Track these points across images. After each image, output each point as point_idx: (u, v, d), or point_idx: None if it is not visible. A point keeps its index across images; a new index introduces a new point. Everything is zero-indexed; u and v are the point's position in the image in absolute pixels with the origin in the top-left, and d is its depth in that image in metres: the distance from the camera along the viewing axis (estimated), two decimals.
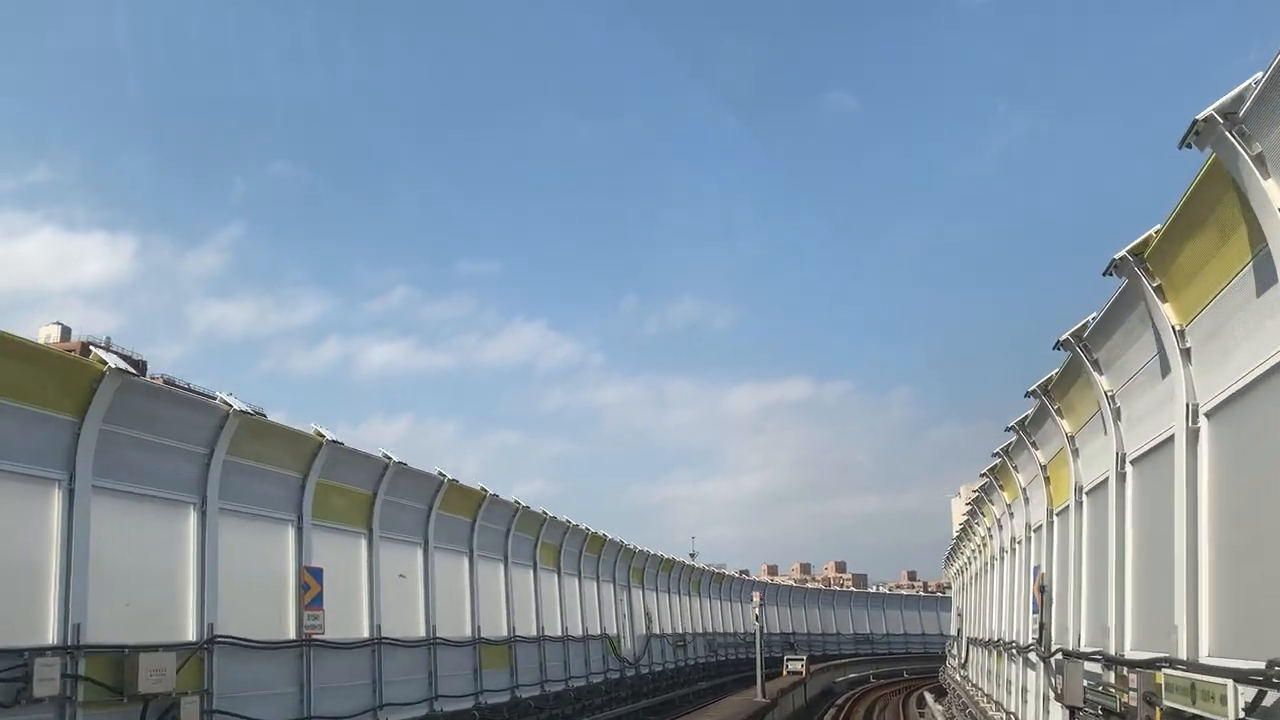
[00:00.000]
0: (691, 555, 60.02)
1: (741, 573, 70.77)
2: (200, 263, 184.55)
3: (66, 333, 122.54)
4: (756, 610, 25.62)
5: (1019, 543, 19.84)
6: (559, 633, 27.84)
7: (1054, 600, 14.38)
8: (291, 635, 15.48)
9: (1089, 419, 11.94)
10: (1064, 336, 10.93)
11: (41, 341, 16.89)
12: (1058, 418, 13.15)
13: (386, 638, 17.94)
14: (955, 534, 39.20)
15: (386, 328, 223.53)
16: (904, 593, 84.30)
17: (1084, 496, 12.74)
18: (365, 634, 17.58)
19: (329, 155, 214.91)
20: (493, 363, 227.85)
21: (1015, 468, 18.23)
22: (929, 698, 38.47)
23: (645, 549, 39.01)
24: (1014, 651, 19.59)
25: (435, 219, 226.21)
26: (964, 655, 30.95)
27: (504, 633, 24.04)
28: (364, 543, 17.98)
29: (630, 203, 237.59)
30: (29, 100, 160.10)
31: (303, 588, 15.81)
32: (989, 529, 25.80)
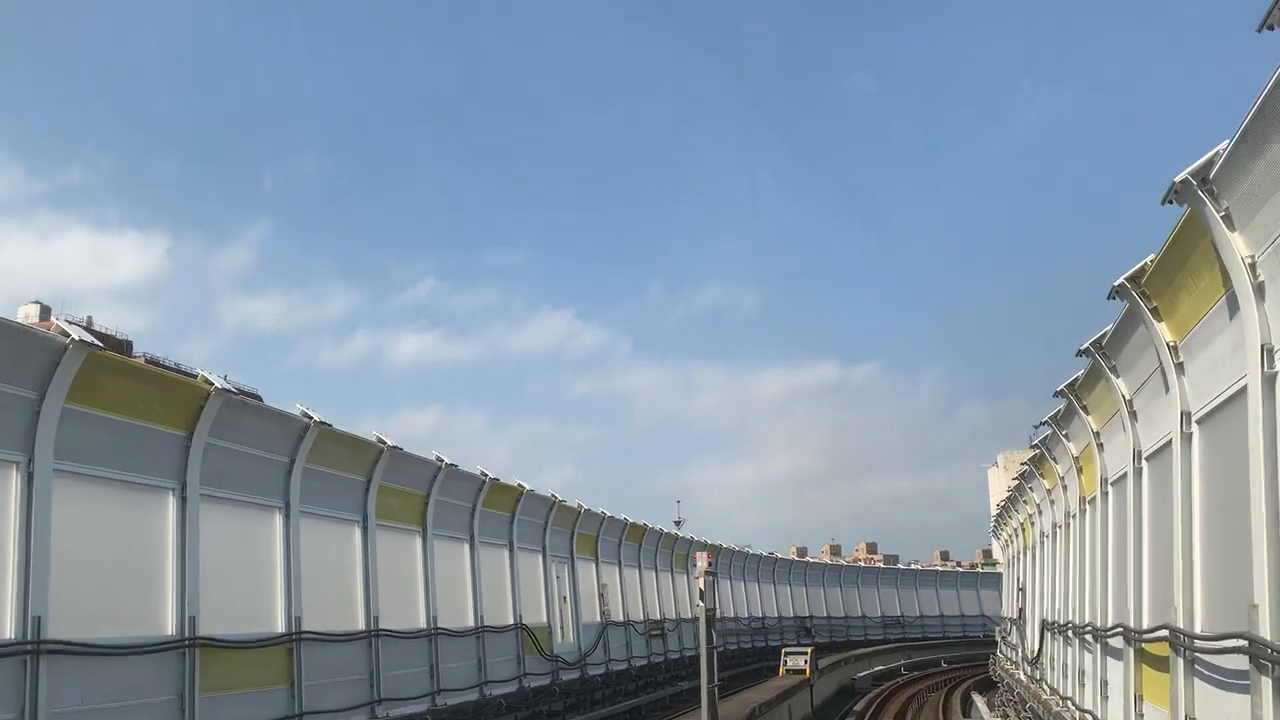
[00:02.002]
0: (676, 523, 50.86)
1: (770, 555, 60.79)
2: (230, 259, 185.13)
3: (45, 311, 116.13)
4: (700, 581, 16.51)
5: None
6: (421, 625, 18.90)
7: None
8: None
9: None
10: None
11: (20, 320, 13.15)
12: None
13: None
14: (1005, 496, 30.00)
15: (415, 319, 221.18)
16: (939, 568, 74.63)
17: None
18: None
19: (354, 150, 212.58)
20: (520, 352, 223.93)
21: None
22: (978, 700, 29.22)
23: (601, 510, 29.93)
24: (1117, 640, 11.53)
25: (461, 210, 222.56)
26: (1033, 644, 21.73)
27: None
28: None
29: (654, 189, 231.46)
30: (60, 103, 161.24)
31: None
32: (1067, 471, 16.77)
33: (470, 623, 20.63)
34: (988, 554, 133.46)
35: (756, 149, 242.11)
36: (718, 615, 41.89)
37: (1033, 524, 22.98)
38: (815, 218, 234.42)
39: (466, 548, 21.10)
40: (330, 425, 15.56)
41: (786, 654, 27.15)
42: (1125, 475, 11.62)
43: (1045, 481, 19.16)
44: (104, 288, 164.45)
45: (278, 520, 14.86)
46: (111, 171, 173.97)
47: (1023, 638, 23.94)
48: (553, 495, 25.65)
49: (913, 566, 68.17)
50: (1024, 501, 23.29)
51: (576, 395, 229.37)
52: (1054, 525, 18.85)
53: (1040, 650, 19.60)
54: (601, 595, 29.36)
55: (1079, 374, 13.06)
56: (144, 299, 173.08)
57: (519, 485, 23.58)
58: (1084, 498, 15.32)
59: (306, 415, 15.14)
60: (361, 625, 16.79)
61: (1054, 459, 17.67)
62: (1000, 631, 32.69)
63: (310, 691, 14.78)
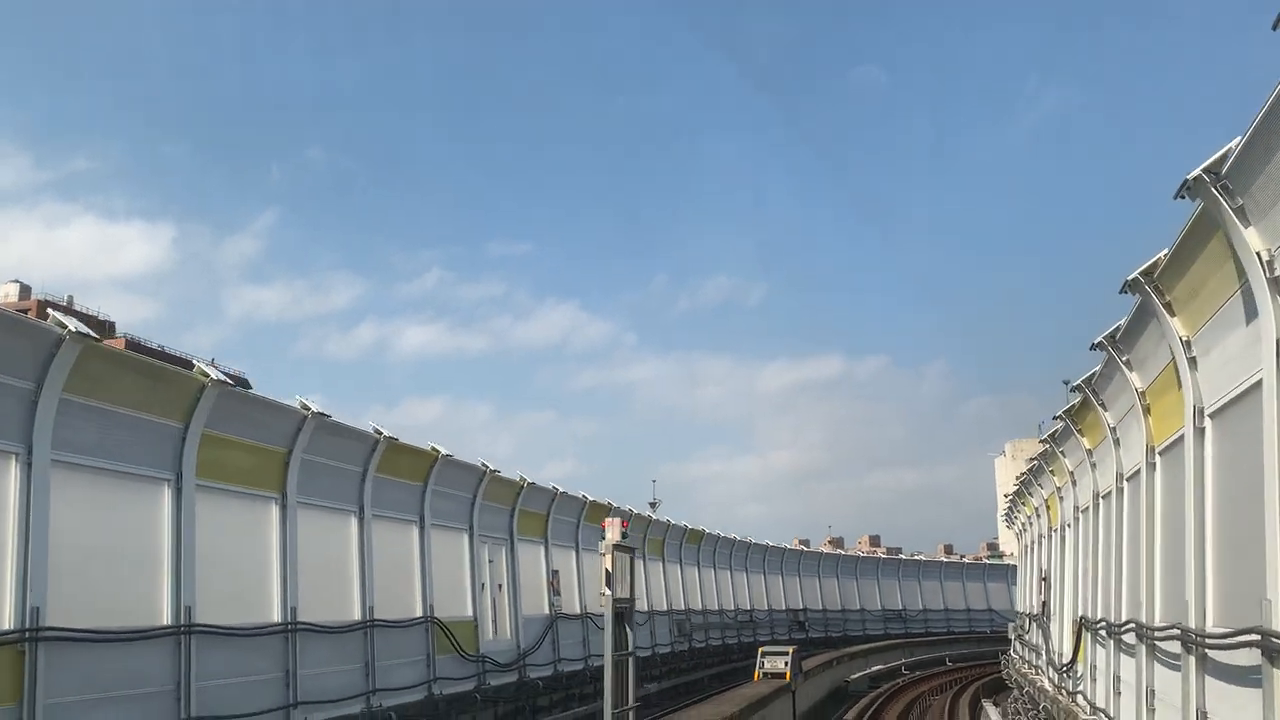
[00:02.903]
0: (652, 505, 46.59)
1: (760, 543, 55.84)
2: (236, 249, 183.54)
3: (26, 291, 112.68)
4: (607, 559, 12.18)
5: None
6: (274, 620, 14.63)
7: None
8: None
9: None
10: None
11: None
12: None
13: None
14: (1025, 470, 25.74)
15: (421, 310, 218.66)
16: (943, 559, 70.20)
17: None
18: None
19: (361, 140, 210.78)
20: (525, 344, 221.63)
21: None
22: (991, 711, 25.01)
23: (553, 486, 25.69)
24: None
25: (467, 201, 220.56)
26: (1061, 645, 17.58)
27: None
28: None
29: (660, 181, 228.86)
30: (68, 92, 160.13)
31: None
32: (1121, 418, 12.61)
33: (355, 615, 16.42)
34: (992, 547, 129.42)
35: (764, 142, 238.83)
36: (690, 607, 37.70)
37: (1062, 498, 18.72)
38: (822, 211, 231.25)
39: (353, 521, 16.86)
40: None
41: (763, 654, 22.92)
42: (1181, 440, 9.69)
43: (1085, 440, 14.91)
44: (110, 277, 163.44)
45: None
46: (119, 160, 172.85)
47: (1046, 637, 19.67)
48: (482, 464, 21.41)
49: (916, 557, 63.86)
50: (1051, 471, 19.02)
51: (581, 387, 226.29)
52: (1095, 496, 14.59)
53: (1076, 655, 15.34)
54: (552, 584, 25.13)
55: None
56: (150, 288, 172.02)
57: (433, 449, 19.35)
58: (1153, 447, 11.10)
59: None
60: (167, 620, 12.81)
61: (1102, 404, 13.43)
62: (1016, 629, 28.41)
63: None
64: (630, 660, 11.98)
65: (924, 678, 41.07)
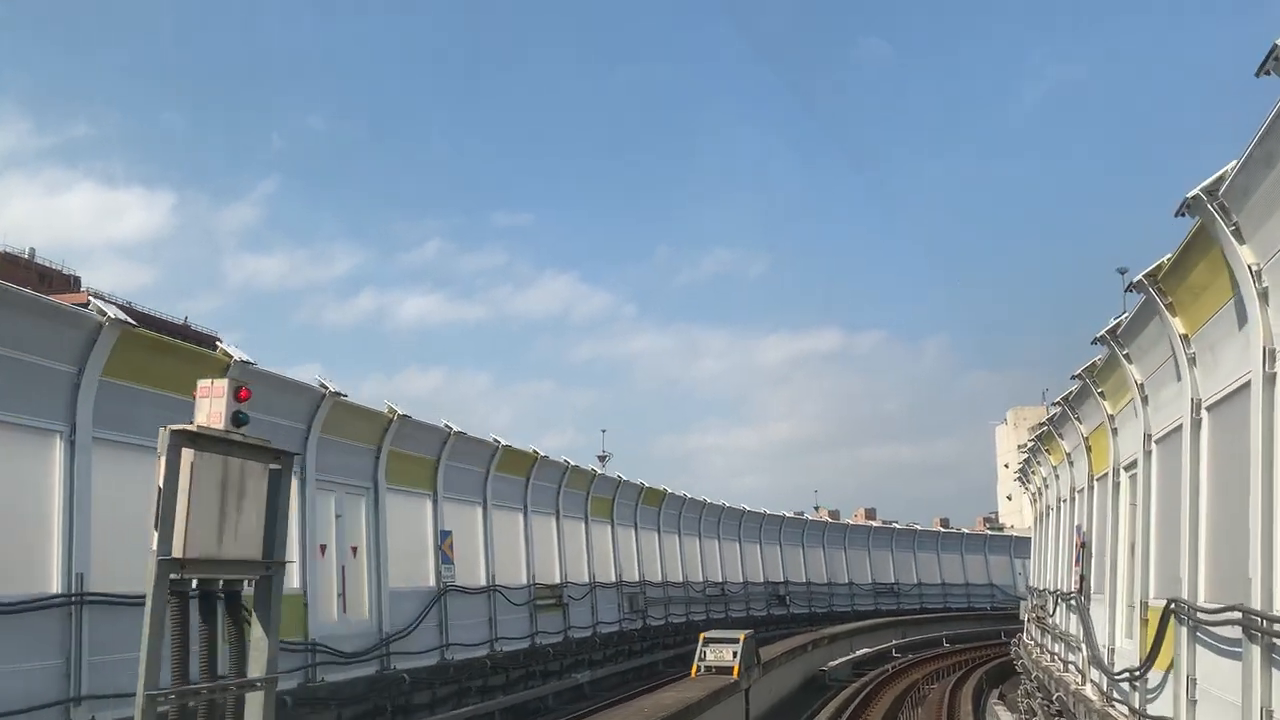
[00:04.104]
0: (601, 458, 40.98)
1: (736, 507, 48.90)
2: (236, 217, 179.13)
3: None
4: (163, 471, 6.99)
5: None
6: None
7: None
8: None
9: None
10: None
11: None
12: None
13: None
14: (1051, 415, 20.30)
15: (421, 280, 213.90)
16: (940, 530, 64.85)
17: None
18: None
19: (362, 107, 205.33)
20: (525, 314, 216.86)
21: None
22: (1000, 711, 19.58)
23: (444, 424, 20.10)
24: None
25: (469, 171, 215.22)
26: (1118, 640, 12.13)
27: None
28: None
29: (663, 152, 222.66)
30: (70, 56, 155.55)
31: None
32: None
33: (53, 587, 10.85)
34: (990, 521, 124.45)
35: (767, 113, 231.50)
36: (647, 579, 32.23)
37: (1115, 431, 13.16)
38: (825, 183, 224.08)
39: (56, 446, 11.22)
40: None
41: (706, 643, 17.41)
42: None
43: (1179, 323, 9.37)
44: (110, 243, 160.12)
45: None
46: (119, 125, 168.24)
47: (1088, 630, 14.14)
48: (321, 384, 15.77)
49: (913, 526, 58.47)
50: (1101, 394, 13.42)
51: (580, 358, 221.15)
52: (1195, 410, 9.03)
53: (1154, 658, 9.76)
54: (444, 550, 19.59)
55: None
56: (148, 255, 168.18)
57: (224, 354, 13.70)
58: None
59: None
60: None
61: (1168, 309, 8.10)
62: (1032, 609, 22.91)
63: None
64: (266, 690, 5.85)
65: (918, 662, 35.68)
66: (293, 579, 14.83)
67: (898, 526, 57.29)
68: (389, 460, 17.76)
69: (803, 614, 45.84)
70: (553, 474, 25.68)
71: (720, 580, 39.82)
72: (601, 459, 40.09)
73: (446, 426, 19.84)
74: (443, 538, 19.49)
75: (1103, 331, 11.70)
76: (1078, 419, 15.71)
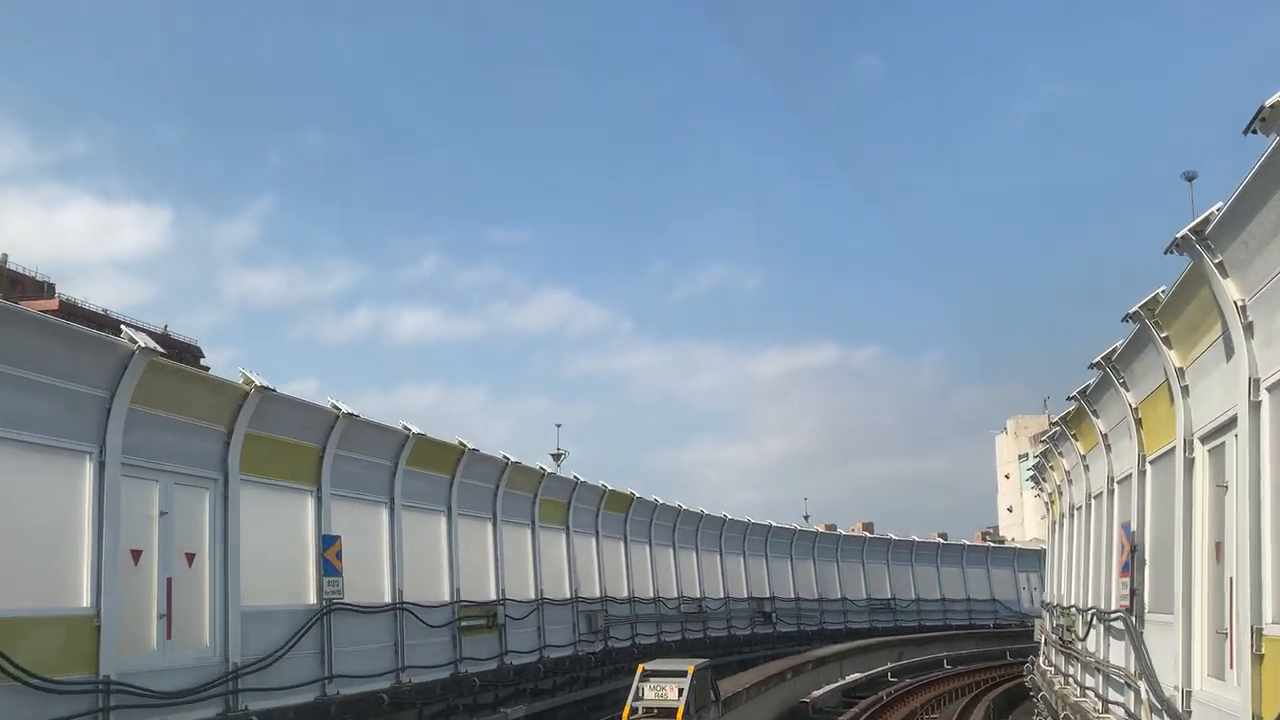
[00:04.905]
0: (556, 456, 37.10)
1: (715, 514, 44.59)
2: (234, 232, 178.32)
3: None
4: None
5: None
6: None
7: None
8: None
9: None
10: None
11: None
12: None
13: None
14: (1053, 424, 16.70)
15: (418, 295, 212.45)
16: (940, 541, 60.97)
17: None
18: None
19: (360, 124, 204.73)
20: (521, 330, 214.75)
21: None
22: None
23: (330, 403, 16.36)
24: None
25: (466, 187, 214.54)
26: (1188, 681, 8.31)
27: None
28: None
29: (659, 167, 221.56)
30: (67, 70, 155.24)
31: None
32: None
33: None
34: (988, 535, 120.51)
35: (762, 130, 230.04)
36: (609, 595, 28.41)
37: (1186, 389, 9.50)
38: (820, 199, 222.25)
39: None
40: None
41: (645, 677, 13.70)
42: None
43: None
44: (107, 259, 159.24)
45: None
46: (117, 142, 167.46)
47: (1144, 664, 10.42)
48: (130, 338, 12.01)
49: (910, 537, 54.71)
50: (1156, 347, 9.77)
51: (576, 373, 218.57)
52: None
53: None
54: (329, 559, 15.81)
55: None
56: (145, 271, 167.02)
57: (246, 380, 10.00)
58: None
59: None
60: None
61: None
62: (1053, 630, 19.14)
63: None
64: None
65: (916, 687, 31.77)
66: (78, 594, 11.09)
67: (894, 537, 53.30)
68: (246, 445, 14.00)
69: (791, 633, 41.96)
70: (487, 471, 21.94)
71: (698, 596, 35.95)
72: (556, 457, 36.06)
73: (335, 408, 16.09)
74: (327, 543, 15.71)
75: (1185, 232, 8.05)
76: (1122, 384, 12.02)
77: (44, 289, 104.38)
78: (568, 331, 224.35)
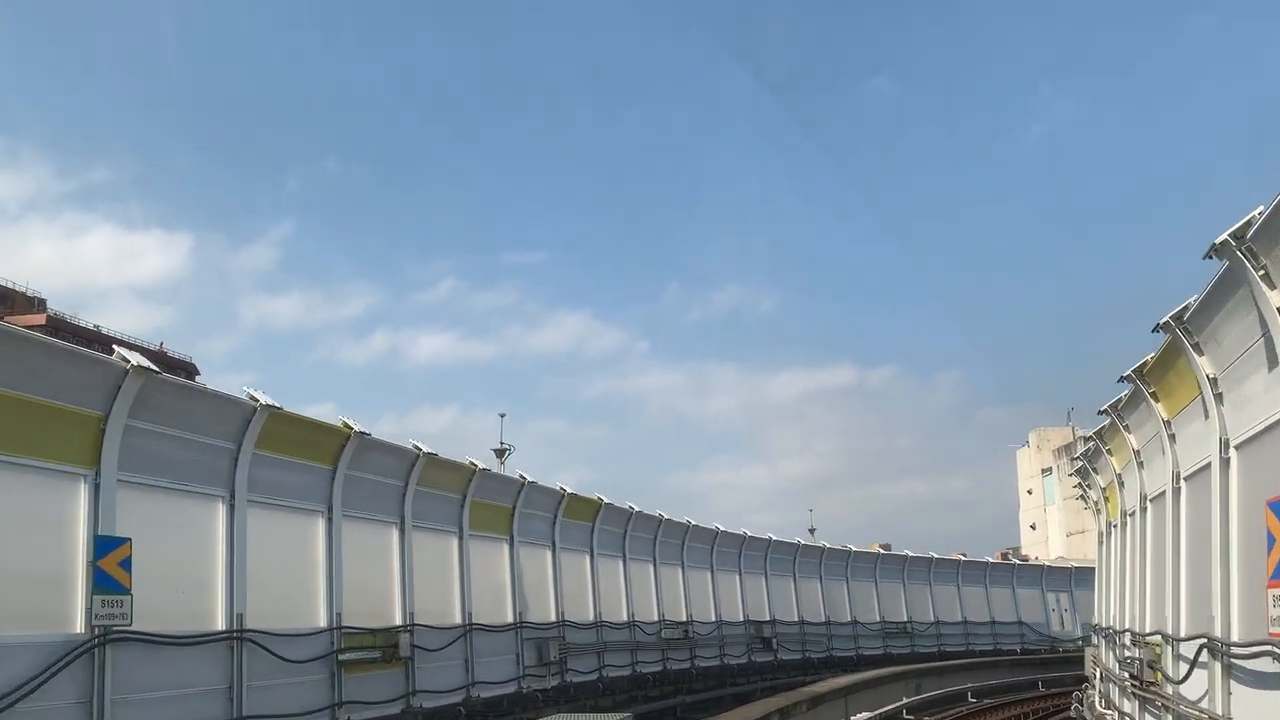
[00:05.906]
0: (498, 453, 32.38)
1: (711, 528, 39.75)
2: (252, 258, 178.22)
3: None
4: None
5: None
6: None
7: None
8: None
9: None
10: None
11: None
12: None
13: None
14: (1125, 379, 12.21)
15: (434, 319, 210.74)
16: (961, 559, 55.84)
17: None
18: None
19: (377, 150, 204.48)
20: (536, 352, 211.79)
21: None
22: None
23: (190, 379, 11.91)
24: None
25: (482, 210, 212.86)
26: None
27: None
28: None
29: (673, 190, 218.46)
30: (88, 100, 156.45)
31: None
32: None
33: None
34: (1007, 556, 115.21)
35: (776, 152, 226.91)
36: (568, 619, 23.72)
37: None
38: (834, 220, 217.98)
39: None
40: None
41: None
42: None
43: None
44: (128, 286, 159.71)
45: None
46: (137, 169, 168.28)
47: None
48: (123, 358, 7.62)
49: (928, 554, 49.81)
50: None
51: (592, 395, 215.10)
52: None
53: None
54: (107, 570, 11.29)
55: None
56: (165, 297, 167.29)
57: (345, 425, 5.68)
58: None
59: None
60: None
61: None
62: (1115, 665, 14.40)
63: None
64: None
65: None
66: None
67: (910, 554, 48.35)
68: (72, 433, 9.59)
69: (794, 660, 37.03)
70: (391, 466, 17.45)
71: (684, 620, 31.16)
72: (499, 453, 31.45)
73: (125, 361, 11.64)
74: (105, 550, 11.21)
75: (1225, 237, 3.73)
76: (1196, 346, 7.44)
77: (33, 304, 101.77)
78: (583, 354, 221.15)
